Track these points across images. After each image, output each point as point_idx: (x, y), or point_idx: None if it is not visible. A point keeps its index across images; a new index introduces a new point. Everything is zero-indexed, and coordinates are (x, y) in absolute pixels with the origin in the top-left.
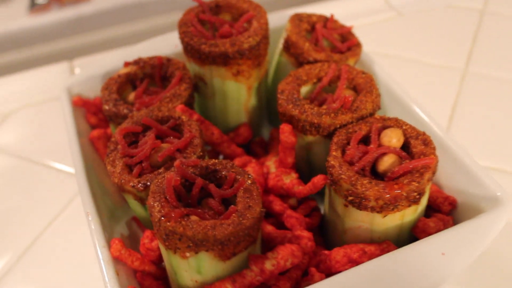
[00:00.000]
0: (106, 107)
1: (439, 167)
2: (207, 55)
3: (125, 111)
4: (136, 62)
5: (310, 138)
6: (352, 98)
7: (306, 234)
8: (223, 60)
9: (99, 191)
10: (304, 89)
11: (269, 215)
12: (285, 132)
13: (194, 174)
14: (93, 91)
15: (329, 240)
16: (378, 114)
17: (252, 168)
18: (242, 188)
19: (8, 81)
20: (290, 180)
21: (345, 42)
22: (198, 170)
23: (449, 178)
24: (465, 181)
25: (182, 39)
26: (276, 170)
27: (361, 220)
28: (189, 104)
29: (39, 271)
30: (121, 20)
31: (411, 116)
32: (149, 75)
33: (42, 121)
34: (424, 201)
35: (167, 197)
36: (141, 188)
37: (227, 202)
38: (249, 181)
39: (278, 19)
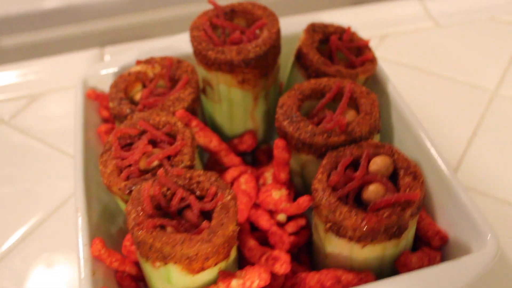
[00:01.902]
0: (111, 105)
1: (436, 199)
2: (213, 62)
3: (128, 111)
4: (148, 61)
5: (303, 156)
6: (346, 122)
7: (283, 256)
8: (229, 67)
9: (96, 187)
10: (308, 104)
11: (258, 229)
12: (279, 147)
13: (176, 184)
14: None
15: (314, 260)
16: (373, 139)
17: (244, 180)
18: (220, 203)
19: (40, 64)
20: (279, 196)
21: (359, 56)
22: (182, 180)
23: (444, 212)
24: (459, 218)
25: (192, 43)
26: (268, 184)
27: (340, 247)
28: (192, 109)
29: (41, 253)
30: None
31: (416, 143)
32: (160, 75)
33: (67, 107)
34: (409, 235)
35: (144, 206)
36: (126, 192)
37: (209, 215)
38: (229, 197)
39: (298, 24)
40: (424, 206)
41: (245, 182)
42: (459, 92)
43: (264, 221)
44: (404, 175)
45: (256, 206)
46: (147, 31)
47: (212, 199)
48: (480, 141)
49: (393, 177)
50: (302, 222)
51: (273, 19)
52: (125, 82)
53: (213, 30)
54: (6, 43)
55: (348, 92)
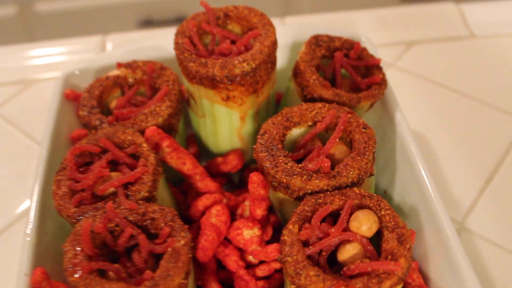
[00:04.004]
0: (81, 113)
1: (432, 259)
2: (194, 75)
3: (96, 122)
4: (129, 65)
5: (280, 195)
6: (329, 164)
7: None
8: (211, 82)
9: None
10: (296, 131)
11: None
12: (254, 182)
13: (126, 220)
14: None
15: None
16: (365, 183)
17: (216, 212)
18: (170, 249)
19: (37, 49)
20: (250, 236)
21: (366, 77)
22: (134, 216)
23: (438, 276)
24: (453, 284)
25: (175, 51)
26: (241, 220)
27: None
28: (168, 125)
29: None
30: None
31: (418, 189)
32: (140, 82)
33: None
34: None
35: (83, 246)
36: (74, 221)
37: (161, 258)
38: (182, 242)
39: (309, 30)
40: (418, 263)
41: (216, 215)
42: (486, 118)
43: (231, 262)
44: (389, 237)
45: (226, 242)
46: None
47: (164, 242)
48: (501, 180)
49: (375, 238)
50: (276, 265)
51: (269, 29)
52: (101, 87)
53: (201, 37)
54: (41, 8)
55: (342, 125)
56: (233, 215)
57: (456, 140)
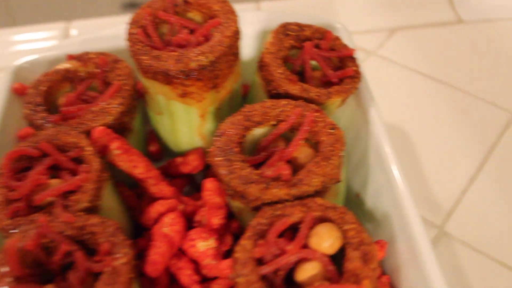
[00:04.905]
0: (24, 111)
1: (403, 270)
2: (147, 69)
3: (40, 121)
4: (80, 58)
5: (237, 204)
6: (290, 172)
7: None
8: (165, 78)
9: None
10: (259, 131)
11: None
12: (209, 190)
13: (62, 234)
14: None
15: None
16: (331, 190)
17: (169, 220)
18: (109, 268)
19: None
20: (205, 248)
21: (339, 70)
22: (71, 230)
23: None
24: None
25: (128, 42)
26: (195, 230)
27: None
28: (119, 123)
29: None
30: None
31: (391, 196)
32: (93, 75)
33: None
34: None
35: (11, 266)
36: (5, 234)
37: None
38: (123, 260)
39: (281, 17)
40: (390, 277)
41: (170, 224)
42: (472, 111)
43: (185, 276)
44: (353, 255)
45: (181, 253)
46: None
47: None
48: (484, 180)
49: (338, 255)
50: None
51: (231, 18)
52: (48, 82)
53: (158, 27)
54: None
55: (307, 125)
56: (191, 222)
57: (439, 136)
